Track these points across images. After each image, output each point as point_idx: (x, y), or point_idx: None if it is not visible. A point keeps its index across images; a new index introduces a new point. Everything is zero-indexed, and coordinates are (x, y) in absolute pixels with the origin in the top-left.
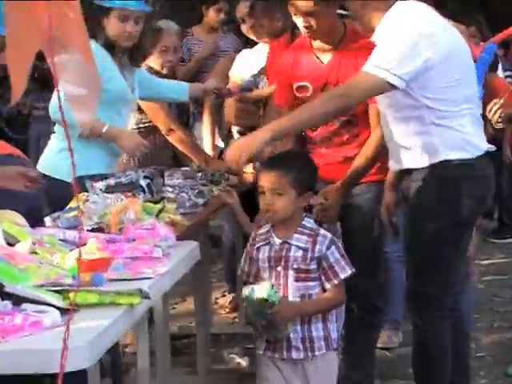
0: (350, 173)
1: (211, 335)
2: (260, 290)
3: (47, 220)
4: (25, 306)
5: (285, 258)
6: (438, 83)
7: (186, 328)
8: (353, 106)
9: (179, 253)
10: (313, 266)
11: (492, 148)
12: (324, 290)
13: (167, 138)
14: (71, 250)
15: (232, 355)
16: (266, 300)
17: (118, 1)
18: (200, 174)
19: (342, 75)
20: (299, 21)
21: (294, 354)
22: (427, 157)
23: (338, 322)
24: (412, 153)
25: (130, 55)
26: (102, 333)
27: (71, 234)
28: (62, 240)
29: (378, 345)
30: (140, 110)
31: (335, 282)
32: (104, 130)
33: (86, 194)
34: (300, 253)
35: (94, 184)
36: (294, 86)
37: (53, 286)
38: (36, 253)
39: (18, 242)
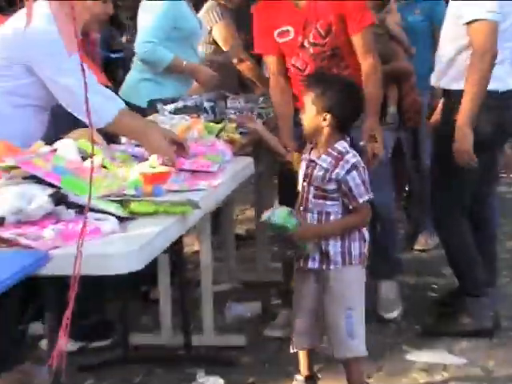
0: (369, 105)
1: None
2: (278, 216)
3: (123, 138)
4: (88, 214)
5: (310, 175)
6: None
7: (252, 231)
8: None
9: (234, 167)
10: (331, 187)
11: None
12: (347, 211)
13: (237, 66)
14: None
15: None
16: (283, 226)
17: None
18: (262, 98)
19: (320, 12)
20: None
21: (310, 264)
22: (461, 82)
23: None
24: (451, 76)
25: None
26: (153, 238)
27: (140, 150)
28: (132, 155)
29: (416, 247)
30: (214, 41)
31: (354, 204)
32: (183, 66)
33: (156, 115)
34: (321, 172)
35: (165, 107)
36: (276, 33)
37: (115, 197)
38: (105, 167)
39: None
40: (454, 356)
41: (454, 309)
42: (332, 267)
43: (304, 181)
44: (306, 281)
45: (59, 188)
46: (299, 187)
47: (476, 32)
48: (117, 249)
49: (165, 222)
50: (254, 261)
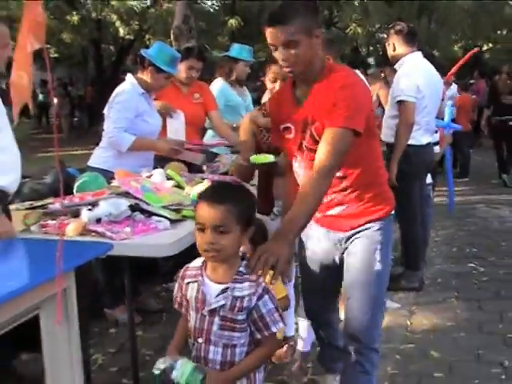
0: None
1: None
2: (182, 373)
3: (204, 166)
4: (153, 217)
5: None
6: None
7: None
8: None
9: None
10: (240, 317)
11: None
12: (253, 341)
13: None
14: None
15: None
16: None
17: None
18: None
19: (316, 112)
20: (277, 53)
21: None
22: (392, 138)
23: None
24: (388, 133)
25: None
26: (183, 236)
27: (212, 176)
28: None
29: None
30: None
31: (266, 334)
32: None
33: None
34: (229, 301)
35: None
36: (281, 128)
37: (174, 206)
38: (179, 186)
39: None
40: (393, 302)
41: (398, 274)
42: None
43: (202, 309)
44: None
45: (141, 200)
46: (191, 314)
47: (401, 108)
48: (158, 241)
49: None
50: None
